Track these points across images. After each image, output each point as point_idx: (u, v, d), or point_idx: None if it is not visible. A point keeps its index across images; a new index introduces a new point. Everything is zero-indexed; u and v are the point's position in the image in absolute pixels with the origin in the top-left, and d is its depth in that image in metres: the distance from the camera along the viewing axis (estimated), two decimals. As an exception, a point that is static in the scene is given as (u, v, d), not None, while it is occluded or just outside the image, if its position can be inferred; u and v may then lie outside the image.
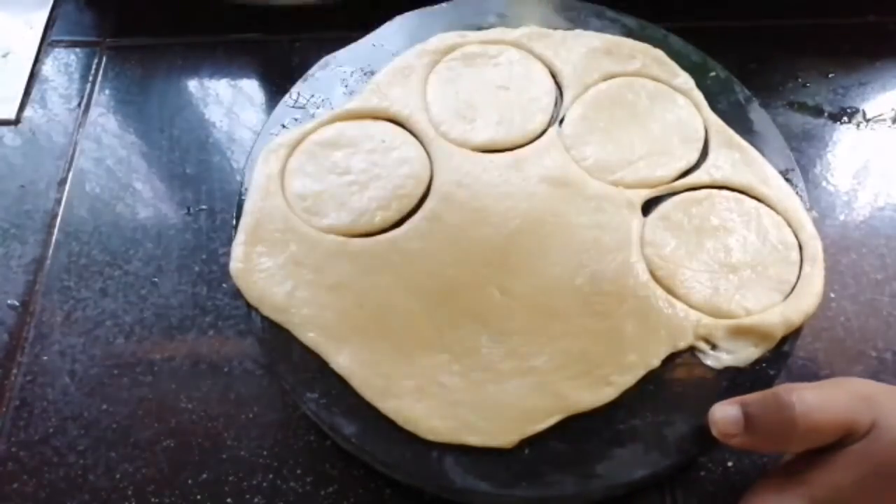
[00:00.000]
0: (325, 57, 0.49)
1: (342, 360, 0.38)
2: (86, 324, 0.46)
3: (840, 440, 0.32)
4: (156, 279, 0.48)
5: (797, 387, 0.34)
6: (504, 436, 0.36)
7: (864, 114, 0.54)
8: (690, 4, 0.58)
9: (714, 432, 0.35)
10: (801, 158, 0.45)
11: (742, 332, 0.38)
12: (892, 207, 0.50)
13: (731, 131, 0.45)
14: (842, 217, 0.49)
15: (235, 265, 0.40)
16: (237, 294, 0.40)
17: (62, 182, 0.52)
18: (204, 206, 0.51)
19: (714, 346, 0.39)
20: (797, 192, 0.43)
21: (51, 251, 0.49)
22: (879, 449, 0.32)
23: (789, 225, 0.42)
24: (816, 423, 0.32)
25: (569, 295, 0.40)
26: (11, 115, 0.55)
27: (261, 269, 0.40)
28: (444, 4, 0.51)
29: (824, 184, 0.51)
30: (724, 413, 0.34)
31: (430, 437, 0.36)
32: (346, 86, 0.47)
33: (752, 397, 0.34)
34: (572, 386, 0.37)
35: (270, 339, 0.39)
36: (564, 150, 0.44)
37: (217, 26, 0.60)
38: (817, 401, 0.33)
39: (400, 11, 0.51)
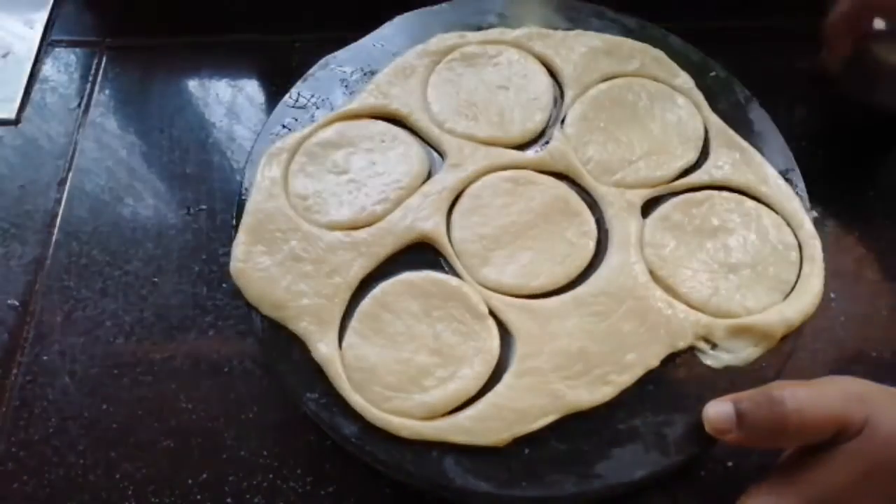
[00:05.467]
0: (325, 57, 0.49)
1: (322, 349, 0.38)
2: (86, 324, 0.46)
3: (833, 438, 0.33)
4: (156, 279, 0.48)
5: (789, 384, 0.34)
6: (494, 435, 0.35)
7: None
8: (690, 4, 0.58)
9: (707, 429, 0.35)
10: (801, 158, 0.45)
11: (742, 332, 0.38)
12: (891, 207, 0.50)
13: (731, 131, 0.45)
14: (842, 216, 0.49)
15: (236, 265, 0.40)
16: (237, 294, 0.40)
17: (62, 182, 0.52)
18: (204, 206, 0.51)
19: (714, 346, 0.39)
20: (797, 192, 0.43)
21: (51, 251, 0.49)
22: (872, 447, 0.32)
23: (789, 225, 0.42)
24: (808, 419, 0.32)
25: (567, 294, 0.40)
26: (11, 115, 0.55)
27: (260, 268, 0.40)
28: (444, 4, 0.51)
29: (824, 183, 0.51)
30: (717, 410, 0.35)
31: (409, 434, 0.36)
32: (346, 86, 0.47)
33: (745, 394, 0.35)
34: (570, 385, 0.37)
35: (270, 339, 0.39)
36: (569, 152, 0.44)
37: (217, 26, 0.60)
38: (809, 398, 0.33)
39: (400, 11, 0.51)
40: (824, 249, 0.41)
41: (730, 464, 0.41)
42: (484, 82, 0.47)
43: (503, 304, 0.39)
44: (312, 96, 0.47)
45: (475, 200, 0.43)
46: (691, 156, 0.44)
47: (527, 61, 0.48)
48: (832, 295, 0.46)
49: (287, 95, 0.47)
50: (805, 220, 0.42)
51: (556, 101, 0.47)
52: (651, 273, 0.40)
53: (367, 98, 0.46)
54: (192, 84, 0.57)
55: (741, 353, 0.38)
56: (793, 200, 0.43)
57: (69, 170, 0.53)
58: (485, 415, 0.36)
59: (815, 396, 0.33)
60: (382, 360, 0.38)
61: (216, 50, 0.59)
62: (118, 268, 0.48)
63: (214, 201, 0.51)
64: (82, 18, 0.61)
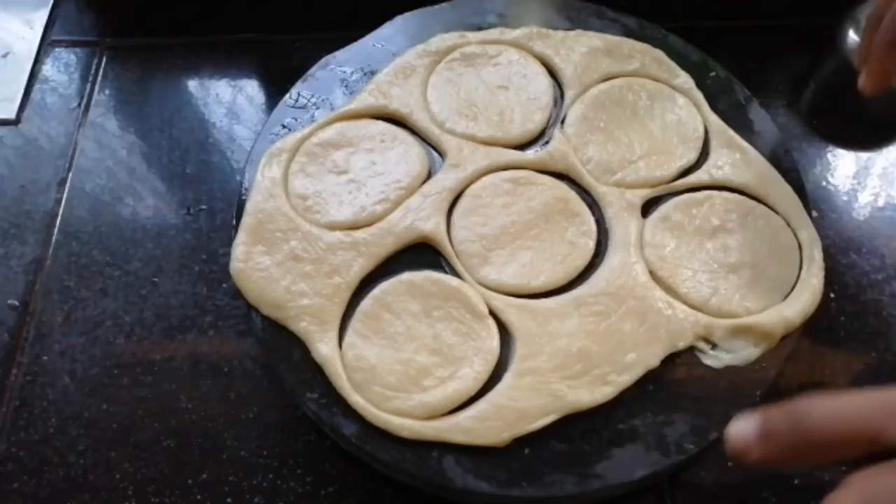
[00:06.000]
0: (325, 57, 0.49)
1: (322, 349, 0.38)
2: (86, 324, 0.46)
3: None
4: (156, 279, 0.48)
5: (817, 396, 0.32)
6: (494, 435, 0.35)
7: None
8: (690, 4, 0.58)
9: (729, 450, 0.33)
10: (801, 158, 0.45)
11: (742, 332, 0.38)
12: (892, 207, 0.50)
13: (731, 131, 0.45)
14: (842, 217, 0.49)
15: (236, 265, 0.40)
16: (237, 294, 0.40)
17: (62, 182, 0.52)
18: (204, 206, 0.51)
19: (714, 346, 0.39)
20: (797, 193, 0.43)
21: (51, 251, 0.49)
22: None
23: (789, 225, 0.42)
24: (836, 431, 0.31)
25: (568, 294, 0.40)
26: (11, 115, 0.55)
27: (260, 268, 0.40)
28: (444, 4, 0.51)
29: (824, 184, 0.51)
30: (738, 428, 0.32)
31: (409, 434, 0.36)
32: (346, 86, 0.47)
33: (768, 410, 0.33)
34: (570, 385, 0.37)
35: (270, 339, 0.39)
36: (569, 152, 0.44)
37: (217, 26, 0.60)
38: (836, 407, 0.31)
39: (400, 11, 0.51)
40: (824, 249, 0.41)
41: (730, 464, 0.41)
42: (484, 82, 0.47)
43: (503, 303, 0.39)
44: (312, 96, 0.47)
45: (475, 200, 0.43)
46: (691, 156, 0.44)
47: (527, 61, 0.48)
48: (832, 295, 0.46)
49: (287, 95, 0.47)
50: (805, 220, 0.42)
51: (556, 101, 0.47)
52: (651, 273, 0.40)
53: (367, 98, 0.46)
54: (192, 84, 0.57)
55: (741, 353, 0.38)
56: (793, 200, 0.43)
57: (69, 170, 0.53)
58: (485, 415, 0.36)
59: (843, 406, 0.30)
60: (382, 360, 0.38)
61: (216, 50, 0.59)
62: (118, 268, 0.48)
63: (214, 201, 0.51)
64: (82, 18, 0.61)
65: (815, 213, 0.44)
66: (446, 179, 0.43)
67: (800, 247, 0.41)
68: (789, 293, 0.40)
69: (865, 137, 0.53)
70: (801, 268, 0.41)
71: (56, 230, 0.50)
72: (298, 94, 0.47)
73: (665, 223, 0.42)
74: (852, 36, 0.52)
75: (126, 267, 0.48)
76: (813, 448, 0.30)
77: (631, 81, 0.47)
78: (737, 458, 0.32)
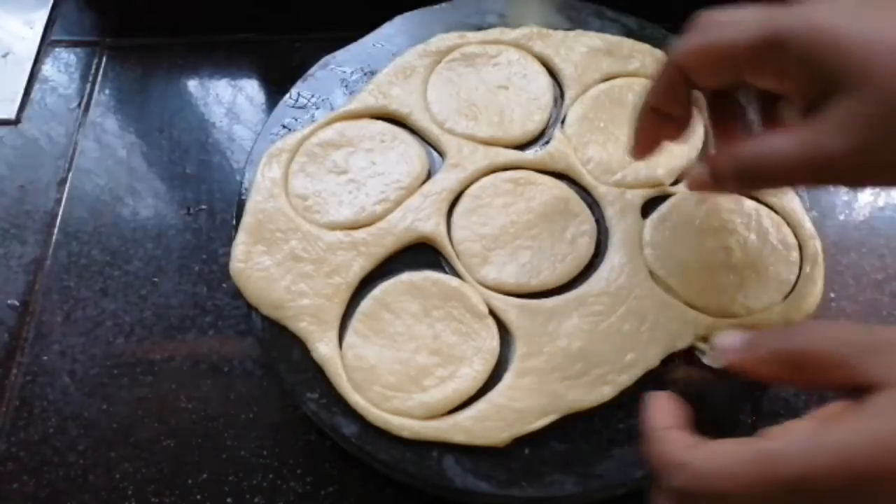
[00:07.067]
0: (325, 57, 0.49)
1: (322, 349, 0.38)
2: (86, 324, 0.46)
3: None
4: (156, 279, 0.48)
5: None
6: (494, 435, 0.35)
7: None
8: (690, 4, 0.58)
9: (717, 351, 0.33)
10: (801, 158, 0.45)
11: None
12: (892, 207, 0.50)
13: (731, 131, 0.45)
14: (842, 217, 0.49)
15: (236, 265, 0.40)
16: (237, 294, 0.40)
17: (62, 182, 0.52)
18: (204, 206, 0.51)
19: (714, 346, 0.39)
20: (797, 192, 0.43)
21: (51, 251, 0.49)
22: None
23: (789, 225, 0.42)
24: (813, 354, 0.29)
25: (567, 294, 0.40)
26: (11, 115, 0.55)
27: (260, 268, 0.40)
28: (444, 4, 0.51)
29: (824, 184, 0.51)
30: (727, 336, 0.32)
31: (409, 434, 0.36)
32: (346, 86, 0.47)
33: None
34: (570, 385, 0.37)
35: (270, 339, 0.39)
36: (569, 152, 0.44)
37: (217, 26, 0.60)
38: (822, 333, 0.29)
39: (400, 11, 0.51)
40: (824, 249, 0.41)
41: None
42: (484, 82, 0.47)
43: (503, 303, 0.39)
44: (312, 96, 0.47)
45: (475, 200, 0.43)
46: (691, 156, 0.44)
47: (527, 61, 0.48)
48: (832, 295, 0.46)
49: (287, 95, 0.47)
50: (805, 219, 0.42)
51: (556, 101, 0.47)
52: (651, 273, 0.40)
53: (367, 98, 0.46)
54: (192, 84, 0.57)
55: (741, 353, 0.38)
56: (793, 200, 0.43)
57: (69, 170, 0.53)
58: (485, 415, 0.36)
59: (833, 333, 0.29)
60: (382, 360, 0.38)
61: (216, 50, 0.59)
62: (118, 268, 0.48)
63: (214, 201, 0.51)
64: (82, 18, 0.61)
65: (814, 213, 0.44)
66: (446, 179, 0.43)
67: (800, 246, 0.41)
68: (789, 293, 0.40)
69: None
70: (801, 268, 0.41)
71: (56, 230, 0.50)
72: (298, 94, 0.47)
73: (665, 223, 0.42)
74: None
75: (126, 267, 0.48)
76: (789, 366, 0.30)
77: (631, 81, 0.47)
78: (720, 361, 0.32)
